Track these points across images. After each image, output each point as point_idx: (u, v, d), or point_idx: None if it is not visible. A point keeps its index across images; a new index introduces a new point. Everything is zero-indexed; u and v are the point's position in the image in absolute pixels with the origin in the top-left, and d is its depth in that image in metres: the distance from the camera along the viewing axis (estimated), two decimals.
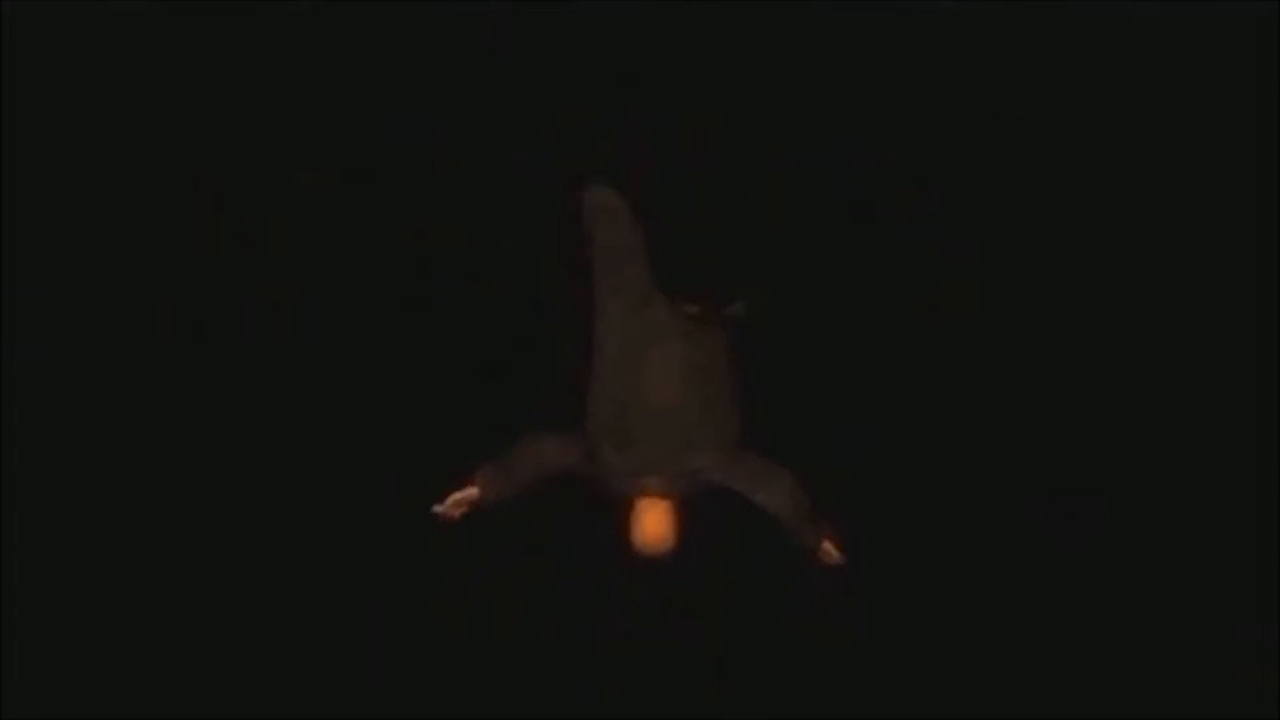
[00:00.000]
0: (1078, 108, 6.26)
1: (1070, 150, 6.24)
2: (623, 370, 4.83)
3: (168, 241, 6.25)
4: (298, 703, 5.57)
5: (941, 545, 5.81)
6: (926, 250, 6.20)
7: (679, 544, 4.87)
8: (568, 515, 5.90)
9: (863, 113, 6.32)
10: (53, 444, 5.96)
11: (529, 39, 6.44)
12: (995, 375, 6.06)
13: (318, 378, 6.14)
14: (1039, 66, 6.29)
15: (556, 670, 5.65)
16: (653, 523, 4.77)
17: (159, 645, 5.67)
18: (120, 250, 6.22)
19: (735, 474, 4.90)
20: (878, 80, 6.34)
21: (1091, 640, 5.60)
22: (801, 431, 5.91)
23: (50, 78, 6.28)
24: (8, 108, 6.22)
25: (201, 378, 6.12)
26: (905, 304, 6.17)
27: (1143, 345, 6.03)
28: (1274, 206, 6.07)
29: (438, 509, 5.01)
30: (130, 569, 5.80)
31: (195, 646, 5.66)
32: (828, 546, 5.23)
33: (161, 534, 5.87)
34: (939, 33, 6.34)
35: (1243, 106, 6.17)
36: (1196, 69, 6.22)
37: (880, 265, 6.20)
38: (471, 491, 5.01)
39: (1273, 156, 6.10)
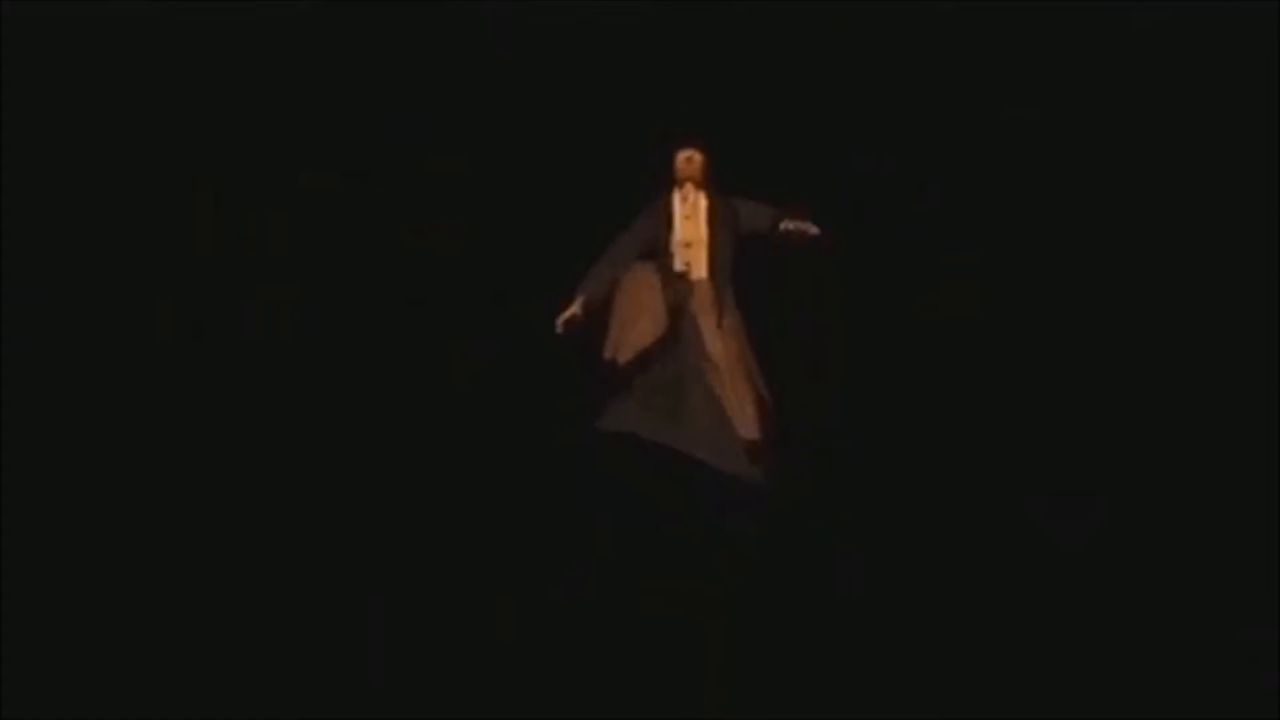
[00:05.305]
0: (1078, 108, 6.27)
1: (1070, 150, 6.25)
2: None
3: (168, 241, 6.26)
4: (298, 703, 5.57)
5: (941, 545, 5.82)
6: (926, 250, 6.21)
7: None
8: (569, 514, 5.92)
9: (863, 113, 6.33)
10: (53, 444, 5.96)
11: (529, 39, 6.44)
12: (995, 375, 6.06)
13: (317, 377, 6.14)
14: (1039, 66, 6.30)
15: (556, 670, 5.65)
16: (686, 157, 6.02)
17: (159, 645, 5.67)
18: (120, 250, 6.22)
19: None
20: (878, 80, 6.35)
21: (1091, 640, 5.60)
22: (802, 431, 5.91)
23: (50, 78, 6.29)
24: (8, 108, 6.23)
25: (201, 377, 6.12)
26: (905, 304, 6.17)
27: (1142, 345, 6.03)
28: (1274, 206, 6.08)
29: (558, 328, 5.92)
30: (130, 569, 5.80)
31: (195, 646, 5.66)
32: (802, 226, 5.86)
33: (162, 533, 5.87)
34: (939, 33, 6.35)
35: (1243, 106, 6.17)
36: (1196, 69, 6.23)
37: (880, 265, 6.20)
38: (575, 311, 5.90)
39: (1273, 156, 6.10)
